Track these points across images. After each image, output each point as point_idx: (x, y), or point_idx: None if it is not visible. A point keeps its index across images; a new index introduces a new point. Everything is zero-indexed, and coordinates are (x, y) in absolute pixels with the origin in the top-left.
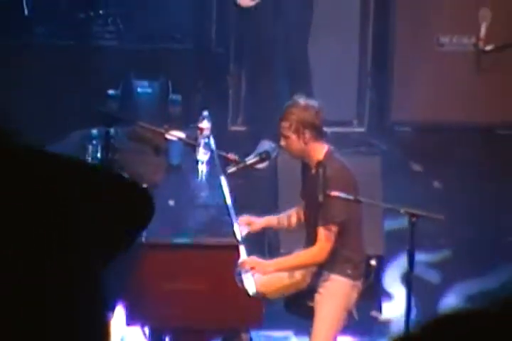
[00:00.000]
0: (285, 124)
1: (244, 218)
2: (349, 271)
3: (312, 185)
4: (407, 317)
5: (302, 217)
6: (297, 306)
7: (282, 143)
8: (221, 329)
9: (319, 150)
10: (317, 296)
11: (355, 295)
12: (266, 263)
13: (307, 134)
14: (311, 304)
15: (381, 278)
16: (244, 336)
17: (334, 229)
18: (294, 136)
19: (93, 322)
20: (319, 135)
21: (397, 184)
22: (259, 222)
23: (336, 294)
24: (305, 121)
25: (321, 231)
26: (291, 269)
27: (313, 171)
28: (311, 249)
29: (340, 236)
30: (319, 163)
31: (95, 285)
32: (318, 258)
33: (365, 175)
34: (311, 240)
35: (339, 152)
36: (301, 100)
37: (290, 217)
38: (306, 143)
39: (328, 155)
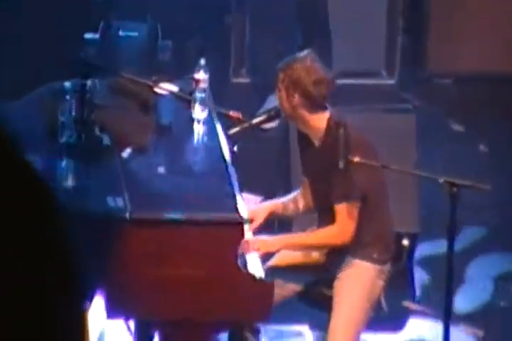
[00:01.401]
0: (280, 75)
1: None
2: (375, 255)
3: (319, 158)
4: (447, 307)
5: (310, 200)
6: (313, 295)
7: (277, 96)
8: (221, 323)
9: (320, 120)
10: (336, 283)
11: (382, 282)
12: (273, 242)
13: (296, 99)
14: (328, 293)
15: (415, 261)
16: (248, 332)
17: (357, 204)
18: (283, 93)
19: (65, 314)
20: (314, 107)
21: (435, 148)
22: (261, 213)
23: (359, 281)
24: (297, 84)
25: (342, 208)
26: (305, 249)
27: (318, 143)
28: (330, 228)
29: (363, 212)
30: (331, 131)
31: (67, 268)
32: (339, 240)
33: (396, 138)
34: (325, 223)
35: (365, 109)
36: (309, 58)
37: (297, 200)
38: (293, 108)
39: (333, 120)
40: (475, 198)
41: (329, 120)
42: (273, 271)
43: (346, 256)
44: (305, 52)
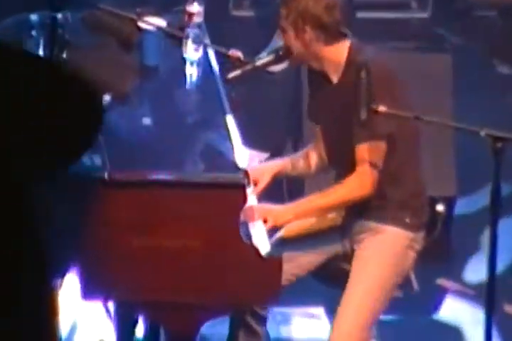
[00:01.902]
0: (283, 11)
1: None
2: (407, 219)
3: (338, 97)
4: (490, 286)
5: (324, 154)
6: (330, 271)
7: (282, 39)
8: (219, 306)
9: (339, 51)
10: (358, 252)
11: (413, 254)
12: (283, 211)
13: (308, 34)
14: (348, 267)
15: (452, 231)
16: (252, 319)
17: (383, 144)
18: (291, 32)
19: (29, 292)
20: (330, 37)
21: (476, 94)
22: (267, 173)
23: (386, 249)
24: (306, 14)
25: (363, 149)
26: (322, 213)
27: (337, 79)
28: (349, 180)
29: (391, 162)
30: (352, 65)
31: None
32: (361, 192)
33: (429, 82)
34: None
35: (392, 48)
36: None
37: (308, 157)
38: (306, 46)
39: (356, 52)
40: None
41: (350, 50)
42: (281, 243)
43: (370, 218)
44: None
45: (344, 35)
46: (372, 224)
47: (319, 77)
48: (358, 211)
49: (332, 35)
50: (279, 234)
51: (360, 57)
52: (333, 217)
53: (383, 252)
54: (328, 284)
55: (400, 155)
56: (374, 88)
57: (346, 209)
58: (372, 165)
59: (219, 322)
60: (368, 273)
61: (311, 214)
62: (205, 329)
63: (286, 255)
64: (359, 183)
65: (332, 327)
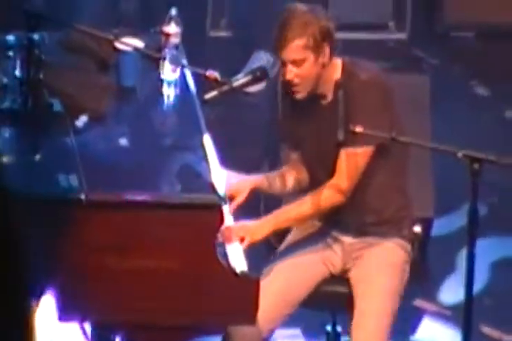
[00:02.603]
0: (299, 42)
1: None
2: (404, 231)
3: (328, 117)
4: (467, 307)
5: (303, 176)
6: (322, 296)
7: (290, 75)
8: (196, 327)
9: (336, 68)
10: (359, 268)
11: (408, 269)
12: (260, 227)
13: (326, 53)
14: (329, 288)
15: (429, 251)
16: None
17: (368, 150)
18: (312, 57)
19: (6, 314)
20: (334, 49)
21: (454, 114)
22: (243, 188)
23: (388, 260)
24: (327, 34)
25: (348, 153)
26: (298, 223)
27: (331, 97)
28: (329, 186)
29: (389, 171)
30: (338, 83)
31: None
32: (336, 199)
33: (406, 103)
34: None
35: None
36: (301, 5)
37: (284, 177)
38: (323, 68)
39: (349, 66)
40: (499, 176)
41: (344, 66)
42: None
43: (367, 234)
44: (298, 4)
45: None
46: (370, 240)
47: (314, 99)
48: (354, 230)
49: (335, 44)
50: (282, 246)
51: (352, 71)
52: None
53: (387, 263)
54: (309, 307)
55: (393, 168)
56: (354, 106)
57: (334, 229)
58: (356, 166)
59: None
60: (379, 285)
61: (288, 225)
62: None
63: (273, 300)
64: (333, 191)
65: None
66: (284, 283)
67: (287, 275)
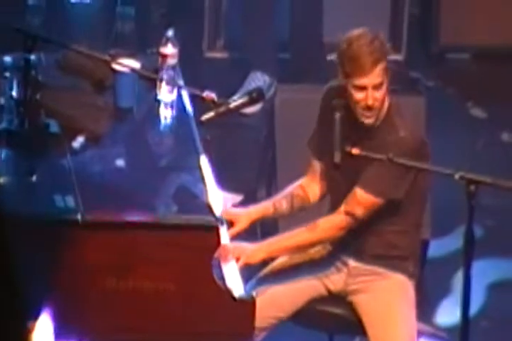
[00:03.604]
0: (382, 66)
1: (225, 213)
2: (410, 268)
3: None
4: (463, 329)
5: (314, 191)
6: (310, 312)
7: (372, 100)
8: None
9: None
10: (366, 295)
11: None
12: (255, 250)
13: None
14: (327, 309)
15: (425, 273)
16: None
17: (377, 202)
18: (386, 81)
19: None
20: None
21: (450, 136)
22: (245, 217)
23: (400, 294)
24: (387, 51)
25: (357, 195)
26: (294, 251)
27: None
28: (323, 221)
29: (398, 216)
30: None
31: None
32: (334, 232)
33: None
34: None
35: None
36: (361, 30)
37: (292, 198)
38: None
39: (394, 110)
40: (496, 199)
41: (390, 106)
42: (267, 280)
43: (375, 264)
44: (360, 30)
45: None
46: (378, 270)
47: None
48: (362, 256)
49: None
50: (265, 270)
51: (392, 125)
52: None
53: (399, 296)
54: (306, 326)
55: (414, 216)
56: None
57: (339, 250)
58: (363, 206)
59: None
60: (394, 315)
61: (283, 252)
62: None
63: (267, 299)
64: (337, 223)
65: None
66: (278, 288)
67: (282, 281)
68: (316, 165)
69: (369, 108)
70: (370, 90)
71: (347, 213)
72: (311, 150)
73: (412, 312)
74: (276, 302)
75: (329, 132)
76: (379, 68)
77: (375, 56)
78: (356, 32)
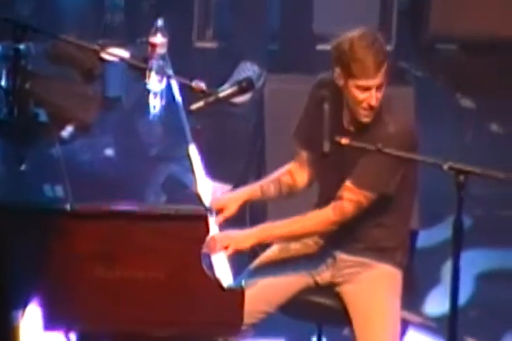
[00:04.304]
0: (385, 66)
1: (214, 202)
2: (398, 259)
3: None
4: (452, 319)
5: (301, 179)
6: (297, 303)
7: (374, 100)
8: (182, 338)
9: None
10: (353, 285)
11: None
12: (245, 236)
13: None
14: (319, 300)
15: (414, 263)
16: None
17: (370, 197)
18: (385, 81)
19: None
20: None
21: (439, 127)
22: (233, 201)
23: (386, 283)
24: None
25: (350, 189)
26: (285, 240)
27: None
28: (318, 213)
29: (388, 208)
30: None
31: None
32: (328, 226)
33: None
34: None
35: None
36: (363, 29)
37: (280, 183)
38: None
39: (384, 106)
40: (484, 189)
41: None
42: (256, 272)
43: (364, 255)
44: (361, 29)
45: None
46: (365, 260)
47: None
48: (349, 248)
49: None
50: (254, 263)
51: (381, 120)
52: (310, 244)
53: (384, 285)
54: (295, 317)
55: (406, 210)
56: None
57: (328, 243)
58: (355, 202)
59: None
60: (378, 305)
61: (274, 240)
62: None
63: (254, 293)
64: (327, 218)
65: None
66: (266, 281)
67: (271, 275)
68: (304, 155)
69: (371, 108)
70: (374, 90)
71: (339, 209)
72: (298, 139)
73: (396, 301)
74: (264, 297)
75: (317, 122)
76: (383, 69)
77: (380, 58)
78: (357, 32)
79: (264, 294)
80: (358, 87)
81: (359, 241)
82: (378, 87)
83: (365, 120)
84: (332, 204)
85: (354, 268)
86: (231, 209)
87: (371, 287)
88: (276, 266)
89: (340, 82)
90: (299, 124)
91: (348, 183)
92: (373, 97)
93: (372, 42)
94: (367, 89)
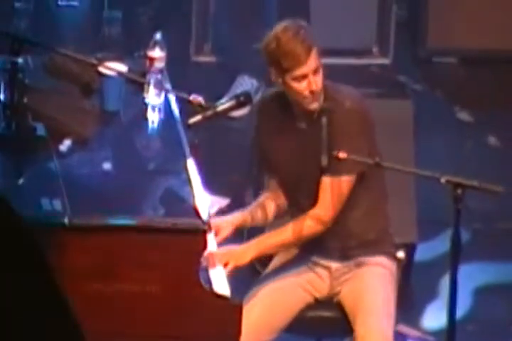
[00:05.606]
0: (315, 50)
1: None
2: (386, 248)
3: (310, 143)
4: (449, 333)
5: (282, 202)
6: (298, 320)
7: (314, 85)
8: None
9: None
10: (346, 290)
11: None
12: (244, 251)
13: None
14: (317, 314)
15: (412, 277)
16: None
17: (350, 180)
18: (320, 65)
19: None
20: None
21: (437, 140)
22: (226, 228)
23: (384, 276)
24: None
25: (327, 183)
26: (282, 249)
27: (310, 121)
28: (307, 216)
29: (377, 197)
30: (322, 108)
31: None
32: (320, 226)
33: (389, 128)
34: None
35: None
36: (287, 22)
37: (264, 206)
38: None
39: (332, 91)
40: (482, 202)
41: (326, 89)
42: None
43: (353, 257)
44: (282, 24)
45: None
46: (356, 261)
47: (289, 119)
48: (339, 255)
49: None
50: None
51: (335, 101)
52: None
53: (377, 273)
54: (295, 333)
55: (373, 192)
56: (336, 133)
57: (316, 255)
58: (339, 196)
59: None
60: (376, 290)
61: (271, 251)
62: None
63: (255, 324)
64: (315, 221)
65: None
66: (266, 309)
67: (269, 301)
68: (274, 182)
69: (312, 92)
70: (311, 76)
71: (324, 205)
72: (267, 172)
73: (393, 292)
74: (266, 326)
75: (271, 141)
76: (313, 53)
77: (307, 43)
78: (279, 27)
79: (265, 324)
80: (296, 79)
81: (345, 242)
82: (315, 72)
83: (314, 106)
84: (317, 204)
85: (350, 274)
86: (227, 230)
87: (366, 280)
88: (268, 277)
89: (279, 81)
90: (256, 152)
91: (324, 179)
92: (312, 82)
93: (296, 32)
94: (304, 77)
